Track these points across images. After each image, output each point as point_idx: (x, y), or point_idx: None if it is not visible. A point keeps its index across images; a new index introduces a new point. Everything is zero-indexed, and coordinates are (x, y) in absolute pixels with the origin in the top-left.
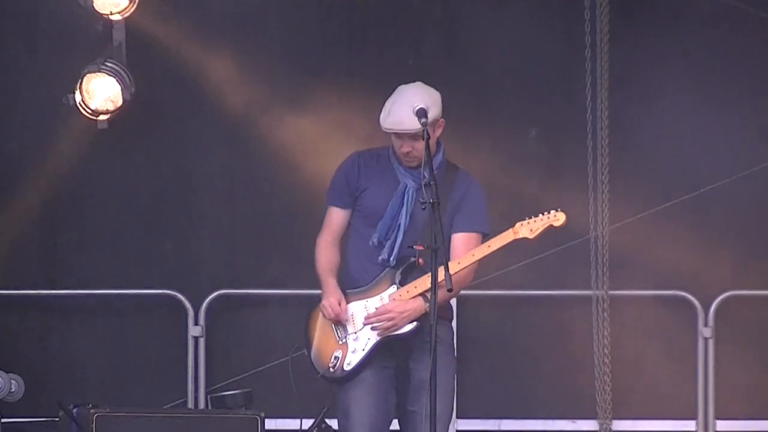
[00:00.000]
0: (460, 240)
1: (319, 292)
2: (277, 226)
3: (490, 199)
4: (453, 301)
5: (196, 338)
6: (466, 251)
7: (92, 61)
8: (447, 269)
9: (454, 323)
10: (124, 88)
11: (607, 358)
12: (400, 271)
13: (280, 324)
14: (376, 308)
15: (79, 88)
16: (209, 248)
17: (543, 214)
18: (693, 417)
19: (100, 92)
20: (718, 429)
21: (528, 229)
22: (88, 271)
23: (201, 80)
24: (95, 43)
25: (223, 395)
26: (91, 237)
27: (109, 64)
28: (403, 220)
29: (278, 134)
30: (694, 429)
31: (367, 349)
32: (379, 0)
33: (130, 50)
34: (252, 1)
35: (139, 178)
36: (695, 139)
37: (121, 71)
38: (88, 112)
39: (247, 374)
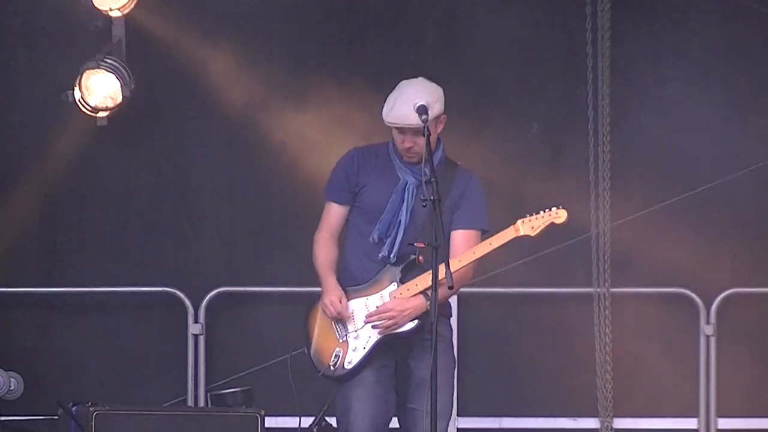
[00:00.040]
0: (459, 237)
1: (319, 289)
2: (276, 224)
3: (491, 195)
4: (453, 299)
5: (195, 336)
6: (465, 248)
7: (91, 58)
8: (448, 266)
9: (454, 321)
10: (124, 85)
11: (609, 355)
12: (401, 268)
13: (280, 322)
14: (377, 306)
15: (79, 84)
16: (209, 246)
17: (544, 212)
18: (694, 415)
19: (100, 89)
20: (719, 427)
21: (529, 226)
22: (87, 269)
23: (201, 77)
24: (94, 40)
25: (223, 393)
26: (91, 234)
27: (108, 60)
28: (403, 217)
29: (278, 131)
30: (695, 427)
31: (368, 347)
32: None
33: (130, 47)
34: None
35: (139, 175)
36: (697, 135)
37: (120, 68)
38: (87, 109)
39: (247, 372)
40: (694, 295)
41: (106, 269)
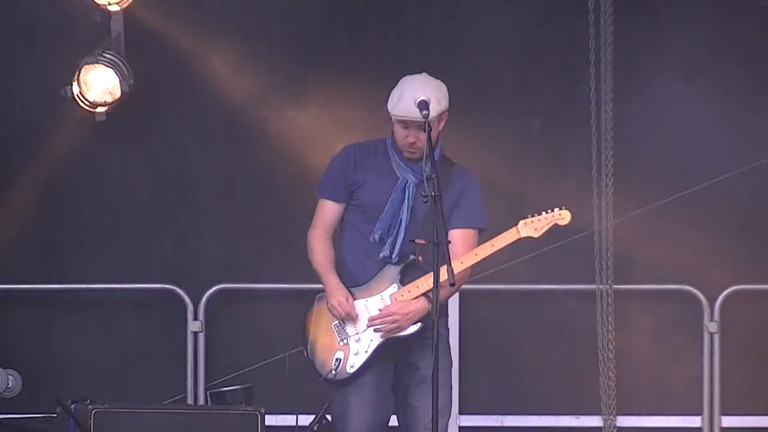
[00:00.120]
0: (458, 236)
1: (320, 286)
2: (276, 221)
3: (492, 193)
4: (454, 297)
5: (195, 333)
6: (464, 247)
7: (90, 53)
8: (449, 263)
9: (455, 318)
10: (123, 80)
11: (612, 353)
12: (400, 269)
13: (280, 319)
14: (380, 310)
15: (77, 79)
16: (208, 242)
17: (547, 212)
18: (698, 413)
19: (98, 84)
20: (723, 425)
21: (532, 227)
22: (86, 266)
23: (200, 73)
24: (93, 35)
25: (223, 391)
26: (90, 231)
27: (107, 55)
28: (404, 216)
29: (278, 128)
30: (699, 425)
31: (370, 350)
32: None
33: (129, 41)
34: None
35: (138, 171)
36: (700, 131)
37: (119, 63)
38: (85, 104)
39: (247, 370)
40: (697, 292)
41: (105, 266)
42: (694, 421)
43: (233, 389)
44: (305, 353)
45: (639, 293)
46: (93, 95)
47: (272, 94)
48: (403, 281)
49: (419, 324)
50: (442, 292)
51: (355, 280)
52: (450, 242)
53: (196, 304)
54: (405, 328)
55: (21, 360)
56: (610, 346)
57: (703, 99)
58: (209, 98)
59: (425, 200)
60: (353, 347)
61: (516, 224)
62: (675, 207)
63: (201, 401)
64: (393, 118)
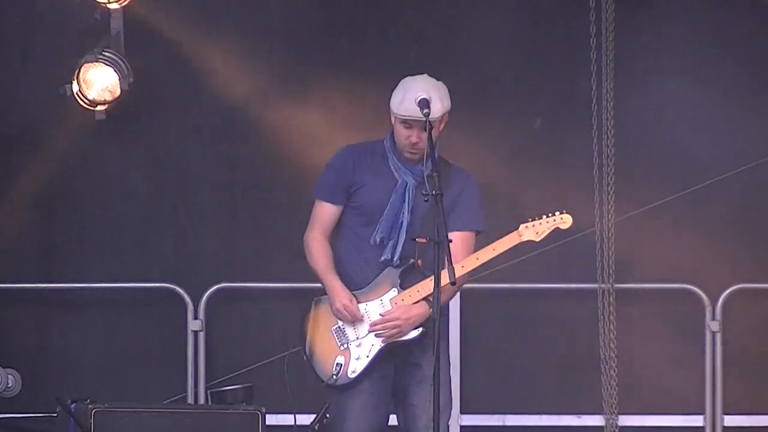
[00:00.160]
0: (456, 239)
1: (319, 285)
2: (276, 219)
3: (493, 191)
4: (456, 296)
5: (195, 332)
6: (462, 249)
7: (90, 51)
8: (450, 262)
9: (457, 317)
10: (122, 78)
11: (613, 352)
12: (399, 272)
13: (280, 318)
14: (381, 315)
15: (77, 78)
16: (209, 241)
17: (548, 216)
18: (700, 412)
19: (98, 82)
20: (725, 424)
21: (533, 231)
22: (86, 265)
23: (200, 71)
24: (93, 33)
25: (224, 390)
26: (89, 230)
27: (106, 53)
28: (405, 219)
29: (278, 126)
30: (701, 424)
31: (371, 355)
32: None
33: (129, 40)
34: None
35: (138, 170)
36: (702, 130)
37: (119, 61)
38: (85, 103)
39: (247, 369)
40: (699, 291)
41: (105, 265)
42: (697, 420)
43: (234, 389)
44: (304, 357)
45: (640, 292)
46: (93, 94)
47: (272, 93)
48: (403, 285)
49: (420, 329)
50: (443, 295)
51: (354, 284)
52: (451, 241)
53: (197, 303)
54: (406, 333)
55: (21, 359)
56: (612, 346)
57: (704, 98)
58: (209, 97)
59: (426, 199)
60: (354, 352)
61: (517, 228)
62: (676, 206)
63: (201, 401)
64: (396, 118)
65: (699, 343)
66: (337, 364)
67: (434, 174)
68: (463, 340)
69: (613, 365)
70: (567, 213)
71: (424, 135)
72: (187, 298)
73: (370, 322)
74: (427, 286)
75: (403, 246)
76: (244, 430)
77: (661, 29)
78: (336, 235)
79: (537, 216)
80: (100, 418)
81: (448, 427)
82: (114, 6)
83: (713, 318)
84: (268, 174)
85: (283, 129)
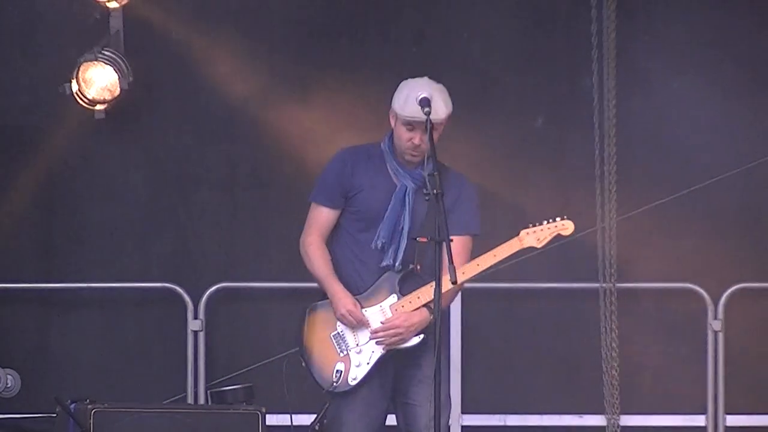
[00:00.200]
0: (454, 242)
1: (316, 284)
2: (277, 219)
3: (494, 191)
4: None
5: (195, 332)
6: (459, 254)
7: (89, 50)
8: (451, 261)
9: (458, 318)
10: (122, 77)
11: (615, 352)
12: (398, 278)
13: (280, 318)
14: (382, 322)
15: (76, 77)
16: (209, 241)
17: (550, 222)
18: (703, 412)
19: (98, 81)
20: (728, 424)
21: (535, 238)
22: (85, 265)
23: (200, 71)
24: (92, 32)
25: (223, 390)
26: (89, 229)
27: (106, 52)
28: (405, 224)
29: (278, 125)
30: (703, 424)
31: (372, 362)
32: None
33: (128, 38)
34: None
35: (137, 169)
36: (704, 129)
37: (118, 60)
38: (85, 102)
39: (247, 369)
40: (701, 291)
41: (105, 265)
42: (699, 420)
43: (234, 388)
44: (303, 364)
45: (642, 292)
46: (92, 93)
47: (272, 93)
48: (402, 291)
49: (421, 335)
50: (443, 300)
51: (351, 288)
52: (452, 240)
53: (196, 303)
54: (407, 340)
55: (20, 359)
56: (614, 345)
57: (704, 98)
58: (209, 96)
59: (427, 198)
60: (354, 359)
61: (518, 233)
62: (678, 205)
63: (201, 401)
64: (398, 120)
65: (701, 343)
66: (337, 371)
67: (435, 173)
68: (464, 340)
69: (615, 365)
70: (568, 219)
71: (426, 136)
72: (187, 298)
73: (370, 328)
74: (427, 292)
75: (404, 251)
76: (244, 430)
77: (661, 29)
78: (333, 239)
79: (538, 222)
80: (99, 418)
81: (449, 427)
82: (113, 5)
83: (715, 317)
84: (268, 174)
85: (283, 129)
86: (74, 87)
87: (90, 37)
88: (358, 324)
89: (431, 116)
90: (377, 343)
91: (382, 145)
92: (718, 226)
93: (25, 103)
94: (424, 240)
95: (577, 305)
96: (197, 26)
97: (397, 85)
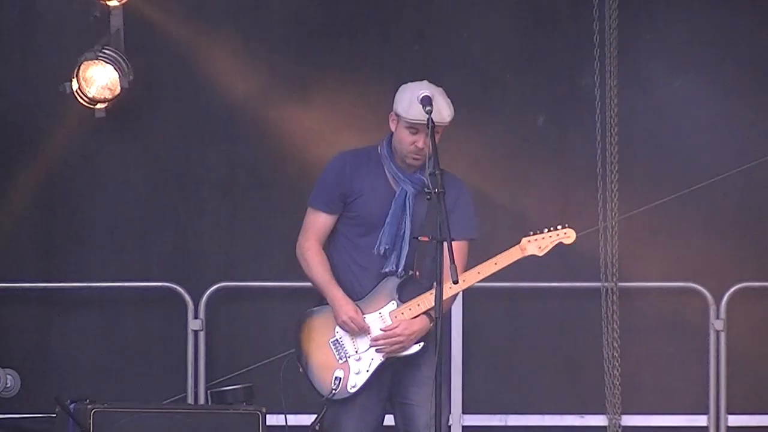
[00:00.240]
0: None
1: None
2: (276, 219)
3: (494, 191)
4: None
5: (195, 332)
6: (458, 258)
7: (89, 49)
8: (452, 261)
9: (459, 317)
10: (122, 76)
11: (617, 351)
12: (398, 284)
13: (280, 317)
14: (382, 329)
15: (76, 75)
16: (209, 240)
17: (551, 230)
18: (704, 412)
19: (98, 80)
20: (729, 424)
21: (536, 246)
22: (85, 264)
23: (201, 70)
24: (92, 30)
25: (224, 390)
26: (89, 228)
27: (106, 51)
28: (406, 229)
29: (279, 124)
30: (705, 424)
31: (371, 369)
32: None
33: (128, 37)
34: None
35: (138, 168)
36: (705, 128)
37: (118, 59)
38: (85, 101)
39: (247, 369)
40: (703, 290)
41: (105, 264)
42: (700, 420)
43: (234, 388)
44: (300, 370)
45: (644, 291)
46: (92, 91)
47: (272, 92)
48: (401, 297)
49: (422, 343)
50: (443, 304)
51: (350, 294)
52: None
53: (197, 302)
54: (407, 348)
55: (20, 359)
56: (615, 345)
57: (708, 95)
58: (209, 95)
59: (428, 197)
60: (353, 366)
61: (519, 241)
62: (680, 204)
63: (201, 401)
64: (400, 124)
65: (702, 342)
66: (336, 378)
67: (436, 172)
68: (465, 340)
69: (616, 364)
70: (570, 227)
71: (428, 140)
72: (187, 298)
73: (370, 336)
74: (427, 299)
75: (406, 256)
76: (244, 430)
77: (662, 28)
78: (330, 244)
79: (539, 229)
80: (99, 418)
81: (449, 427)
82: (114, 3)
83: (717, 317)
84: (269, 174)
85: (283, 128)
86: (74, 86)
87: (90, 36)
88: (359, 331)
89: (436, 118)
90: (377, 350)
91: (380, 149)
92: (720, 226)
93: (25, 102)
94: (426, 239)
95: (579, 305)
96: (197, 26)
97: (397, 86)
